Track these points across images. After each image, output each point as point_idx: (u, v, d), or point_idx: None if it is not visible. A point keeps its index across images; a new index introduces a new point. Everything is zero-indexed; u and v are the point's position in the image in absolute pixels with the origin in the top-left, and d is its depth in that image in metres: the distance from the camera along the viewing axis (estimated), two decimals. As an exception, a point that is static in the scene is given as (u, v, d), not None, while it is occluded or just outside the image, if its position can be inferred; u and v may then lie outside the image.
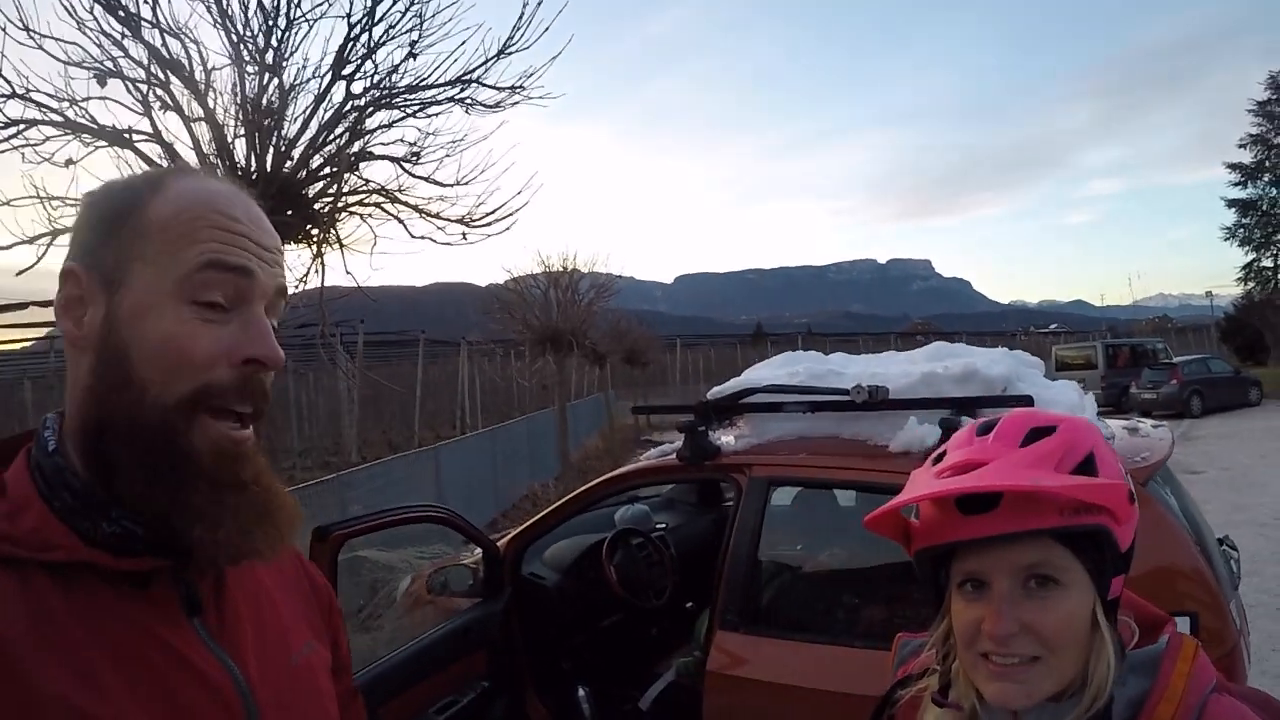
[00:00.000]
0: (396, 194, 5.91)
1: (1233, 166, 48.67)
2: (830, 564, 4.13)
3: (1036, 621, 1.15)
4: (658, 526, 5.33)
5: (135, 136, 5.04)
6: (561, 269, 16.79)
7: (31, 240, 4.95)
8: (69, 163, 4.94)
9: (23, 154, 4.85)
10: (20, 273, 5.11)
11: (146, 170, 1.08)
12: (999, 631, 1.15)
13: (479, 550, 4.39)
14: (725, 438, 4.08)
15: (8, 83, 4.63)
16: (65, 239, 5.03)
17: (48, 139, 4.87)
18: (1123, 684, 1.16)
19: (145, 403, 0.98)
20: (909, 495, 1.23)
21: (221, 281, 1.01)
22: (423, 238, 6.05)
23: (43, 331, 21.59)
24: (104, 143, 4.99)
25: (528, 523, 4.73)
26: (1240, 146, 48.13)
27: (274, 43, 5.28)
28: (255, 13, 5.22)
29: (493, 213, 6.10)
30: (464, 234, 6.15)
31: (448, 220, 6.08)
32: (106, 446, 0.99)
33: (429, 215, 6.02)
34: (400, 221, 5.98)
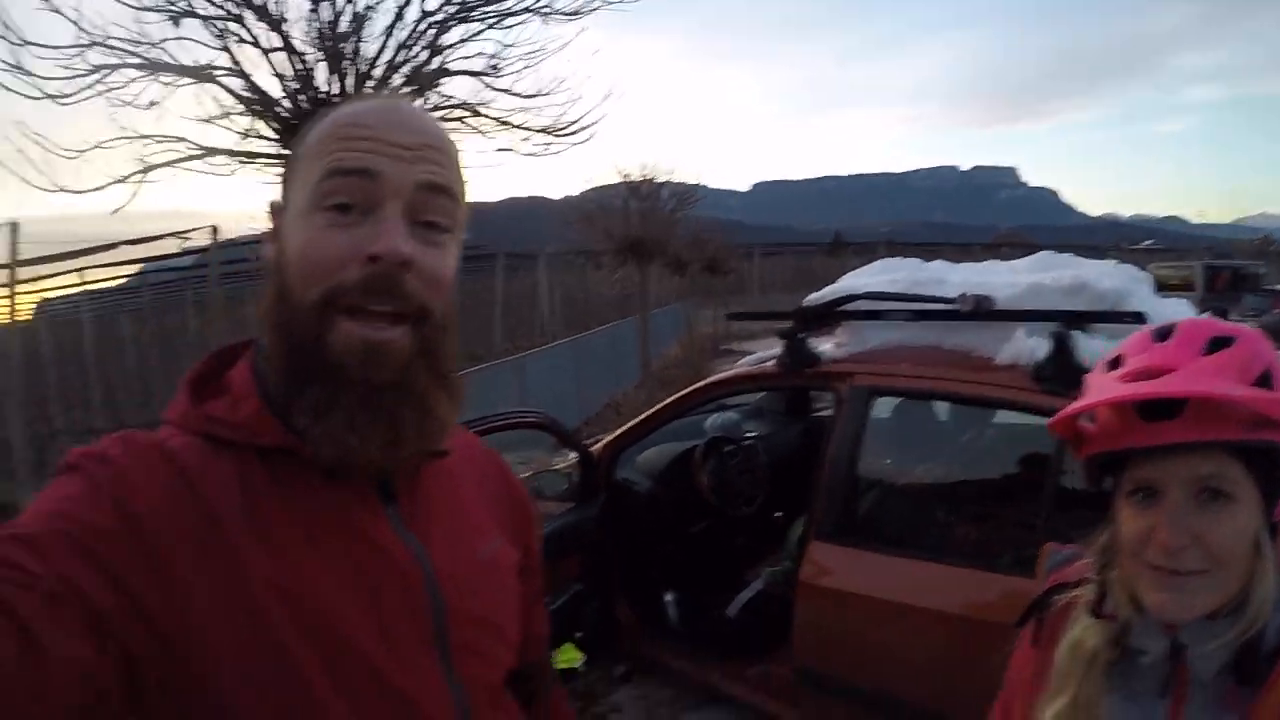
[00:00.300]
0: (478, 108, 5.87)
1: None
2: (928, 479, 4.09)
3: (1207, 534, 1.13)
4: (748, 434, 5.32)
5: (216, 71, 5.06)
6: (641, 179, 16.63)
7: (124, 179, 5.03)
8: (152, 104, 5.00)
9: (108, 99, 4.93)
10: (116, 210, 5.21)
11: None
12: (1170, 542, 1.13)
13: (572, 455, 4.41)
14: (823, 346, 4.03)
15: (87, 33, 4.67)
16: (158, 174, 5.16)
17: (131, 81, 4.93)
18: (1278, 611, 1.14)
19: (294, 309, 1.03)
20: (1096, 398, 1.20)
21: (345, 187, 1.02)
22: (506, 150, 6.02)
23: (136, 269, 22.21)
24: (188, 80, 5.01)
25: (622, 429, 4.75)
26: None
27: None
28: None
29: (575, 121, 6.05)
30: (547, 144, 6.11)
31: (531, 131, 6.04)
32: (283, 356, 1.05)
33: (512, 127, 5.98)
34: (482, 134, 5.95)
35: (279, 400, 1.05)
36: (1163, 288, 3.77)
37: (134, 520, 0.93)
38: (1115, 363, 1.25)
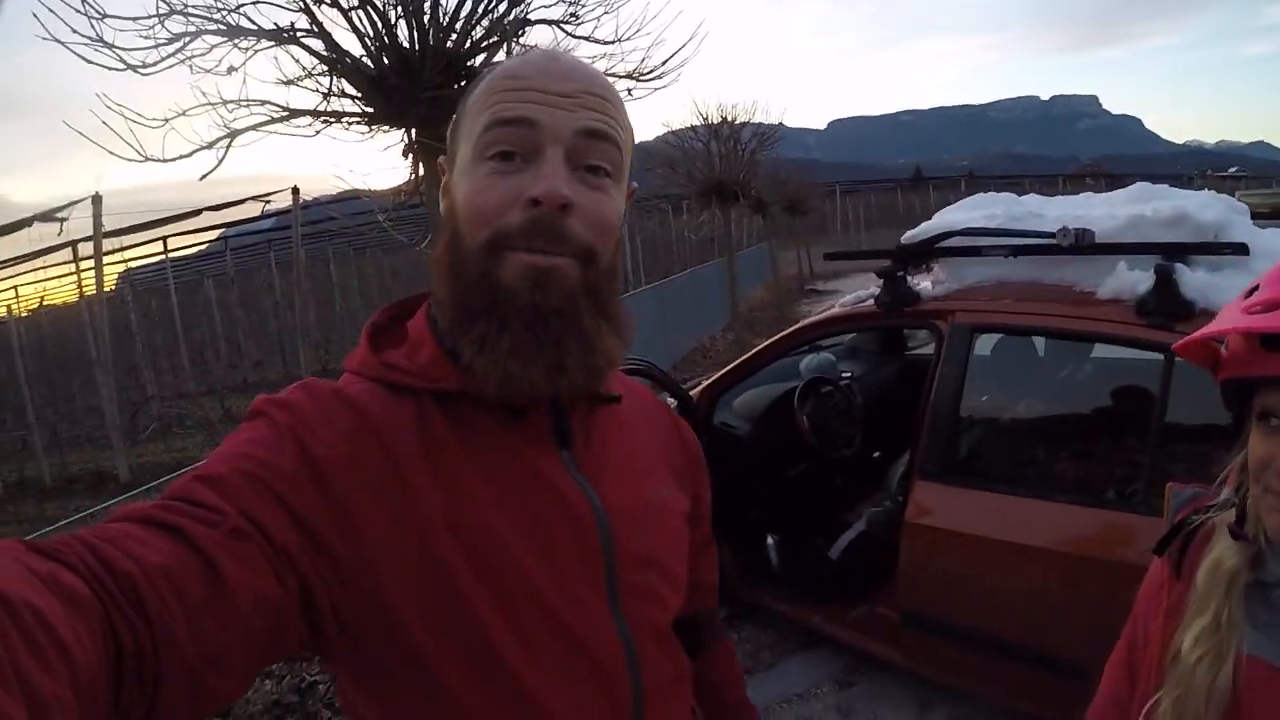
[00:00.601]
0: (560, 57, 5.88)
1: None
2: (1030, 416, 4.06)
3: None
4: (843, 375, 5.32)
5: (297, 33, 5.08)
6: (722, 120, 16.49)
7: (211, 145, 5.10)
8: (231, 70, 5.03)
9: (190, 66, 4.95)
10: (204, 176, 5.28)
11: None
12: (1254, 461, 1.19)
13: (672, 400, 4.48)
14: (922, 283, 4.01)
15: (165, 2, 4.72)
16: (244, 139, 5.23)
17: (212, 48, 4.95)
18: None
19: (464, 253, 1.08)
20: (1216, 327, 1.23)
21: (506, 136, 1.06)
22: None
23: (217, 233, 22.64)
24: (266, 43, 5.06)
25: (720, 372, 4.78)
26: None
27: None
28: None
29: (659, 66, 6.02)
30: (630, 90, 6.10)
31: (615, 76, 6.02)
32: (454, 299, 1.09)
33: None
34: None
35: (451, 346, 1.09)
36: (1252, 216, 3.70)
37: (314, 462, 0.98)
38: (1251, 291, 1.26)
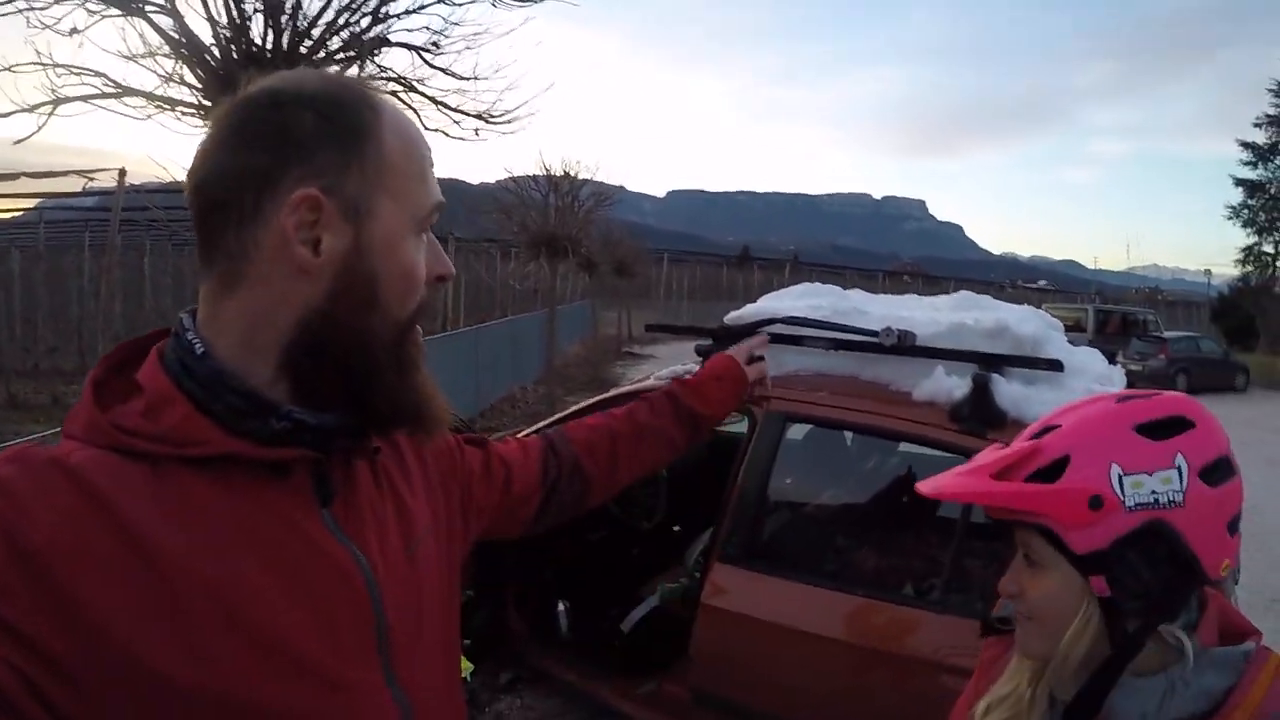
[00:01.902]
0: (414, 84, 5.75)
1: (1246, 145, 47.62)
2: (835, 506, 4.08)
3: (1025, 588, 1.30)
4: (651, 446, 5.25)
5: (148, 6, 4.86)
6: (564, 174, 16.52)
7: (33, 109, 4.84)
8: (73, 31, 4.78)
9: (27, 19, 4.73)
10: (19, 141, 5.04)
11: (340, 78, 1.05)
12: (1002, 587, 1.34)
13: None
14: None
15: None
16: (69, 108, 4.92)
17: (53, 3, 4.69)
18: (1201, 675, 1.21)
19: (387, 323, 1.08)
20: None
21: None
22: (436, 130, 5.91)
23: (33, 203, 21.39)
24: (114, 11, 4.80)
25: (532, 428, 4.66)
26: (1256, 125, 47.06)
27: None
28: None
29: (509, 111, 5.96)
30: (477, 130, 6.03)
31: (465, 114, 5.94)
32: (321, 361, 1.05)
33: (446, 108, 5.87)
34: (415, 112, 5.82)
35: (250, 402, 1.02)
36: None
37: (27, 557, 0.86)
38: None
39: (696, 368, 3.98)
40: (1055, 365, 3.27)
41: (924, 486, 1.34)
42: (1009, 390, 3.20)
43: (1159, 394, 1.31)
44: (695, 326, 4.35)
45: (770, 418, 3.69)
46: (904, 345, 3.47)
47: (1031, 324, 3.54)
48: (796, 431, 4.08)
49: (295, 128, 1.02)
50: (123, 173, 11.90)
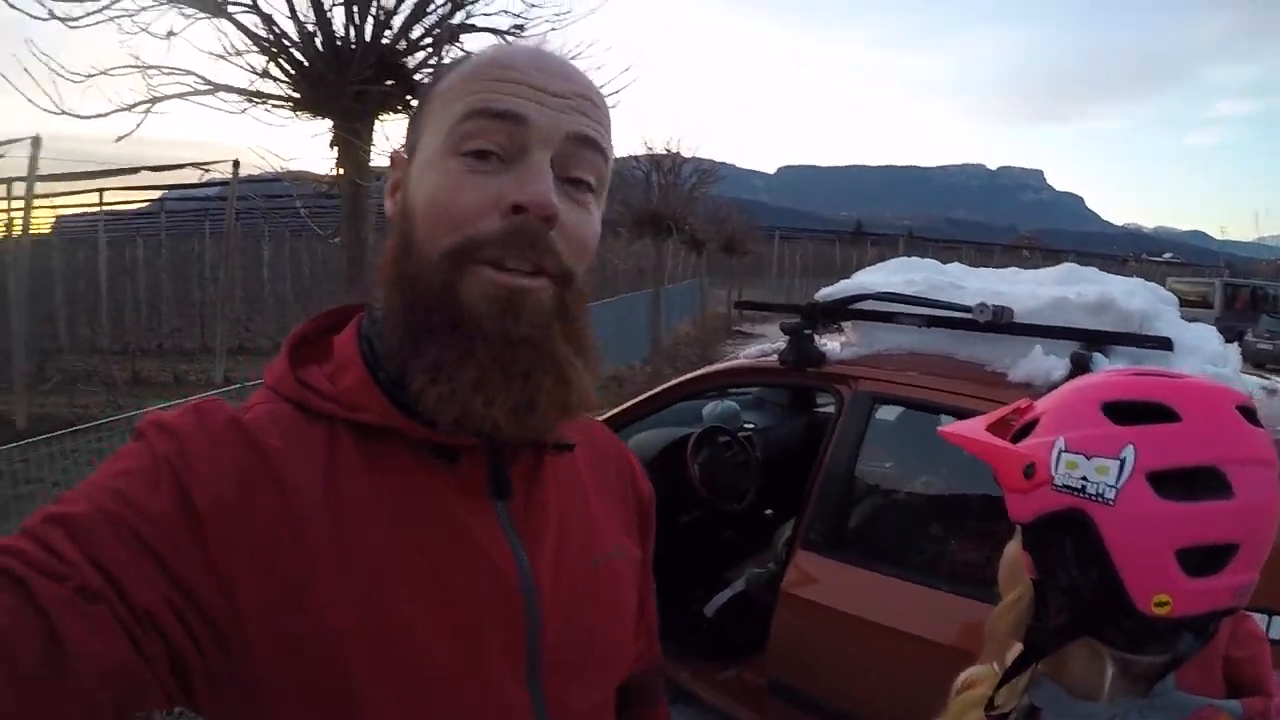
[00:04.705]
0: (499, 67, 5.78)
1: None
2: (927, 494, 3.91)
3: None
4: (745, 425, 5.15)
5: (232, 8, 5.01)
6: (665, 152, 16.47)
7: (130, 108, 4.99)
8: (169, 34, 4.95)
9: (119, 24, 4.84)
10: (120, 138, 5.24)
11: None
12: None
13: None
14: (831, 344, 3.86)
15: None
16: (163, 107, 5.08)
17: (143, 9, 4.86)
18: (1145, 717, 1.10)
19: (420, 261, 0.95)
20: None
21: (489, 129, 0.94)
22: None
23: (155, 194, 22.41)
24: (202, 13, 4.93)
25: (617, 409, 4.59)
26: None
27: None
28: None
29: (600, 88, 5.92)
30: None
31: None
32: (404, 314, 0.96)
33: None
34: (502, 94, 5.85)
35: (390, 370, 0.97)
36: (1179, 303, 3.59)
37: (192, 506, 0.84)
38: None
39: (782, 346, 3.88)
40: (1164, 343, 3.05)
41: (945, 427, 1.31)
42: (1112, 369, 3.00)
43: (1158, 373, 1.14)
44: (785, 304, 4.24)
45: (858, 398, 3.54)
46: (999, 322, 3.30)
47: (1139, 298, 3.32)
48: (889, 413, 3.92)
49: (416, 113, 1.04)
50: (236, 164, 12.33)
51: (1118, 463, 1.04)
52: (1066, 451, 1.08)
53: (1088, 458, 1.06)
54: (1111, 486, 1.04)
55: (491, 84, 0.95)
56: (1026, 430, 1.16)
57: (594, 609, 1.07)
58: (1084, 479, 1.06)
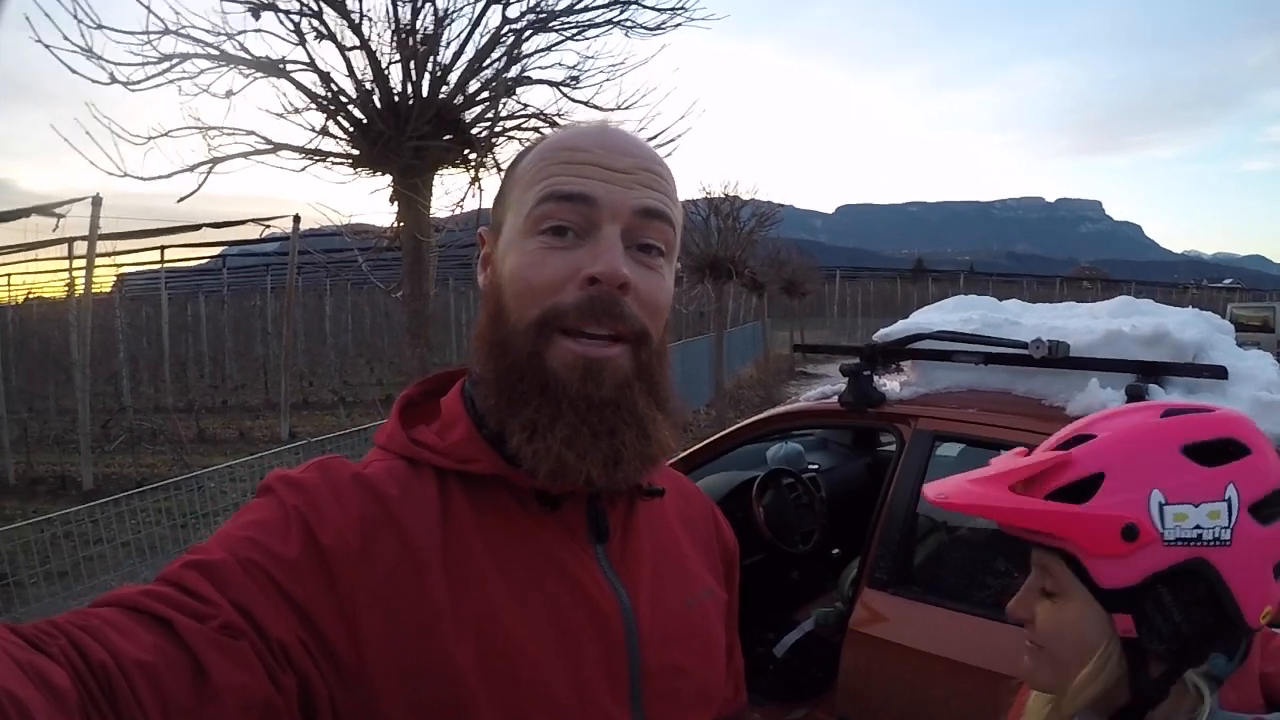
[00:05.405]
0: (555, 118, 5.82)
1: None
2: (989, 529, 3.93)
3: (1039, 617, 1.25)
4: (810, 467, 5.19)
5: (290, 67, 5.09)
6: (723, 196, 16.54)
7: (191, 169, 5.07)
8: (229, 94, 5.03)
9: (179, 87, 4.93)
10: (182, 199, 5.27)
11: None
12: (1011, 611, 1.35)
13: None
14: (890, 384, 3.91)
15: (161, 20, 4.69)
16: (224, 166, 5.20)
17: (203, 72, 4.94)
18: None
19: (510, 330, 1.04)
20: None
21: (562, 210, 1.03)
22: (583, 163, 6.00)
23: (216, 250, 22.73)
24: (260, 73, 5.04)
25: (683, 453, 4.66)
26: None
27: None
28: (408, -63, 5.17)
29: (654, 137, 5.96)
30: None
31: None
32: (498, 378, 1.05)
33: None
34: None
35: (491, 426, 1.06)
36: (1241, 328, 3.60)
37: (320, 551, 0.93)
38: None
39: (843, 388, 3.94)
40: (1219, 372, 3.08)
41: (930, 490, 1.26)
42: (1168, 401, 3.03)
43: (1212, 410, 1.16)
44: (843, 346, 4.30)
45: (918, 436, 3.59)
46: (1055, 356, 3.33)
47: (1194, 328, 3.35)
48: (950, 449, 3.96)
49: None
50: (297, 219, 12.48)
51: (1226, 504, 1.07)
52: (1169, 504, 1.08)
53: (1195, 505, 1.08)
54: (1226, 528, 1.07)
55: (560, 166, 1.04)
56: (1088, 489, 1.14)
57: (689, 646, 1.14)
58: (1198, 528, 1.07)
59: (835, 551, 5.02)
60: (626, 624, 1.06)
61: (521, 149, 1.15)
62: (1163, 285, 68.18)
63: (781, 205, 19.94)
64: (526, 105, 5.83)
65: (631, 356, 1.05)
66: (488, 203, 6.05)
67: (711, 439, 4.59)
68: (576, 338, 1.02)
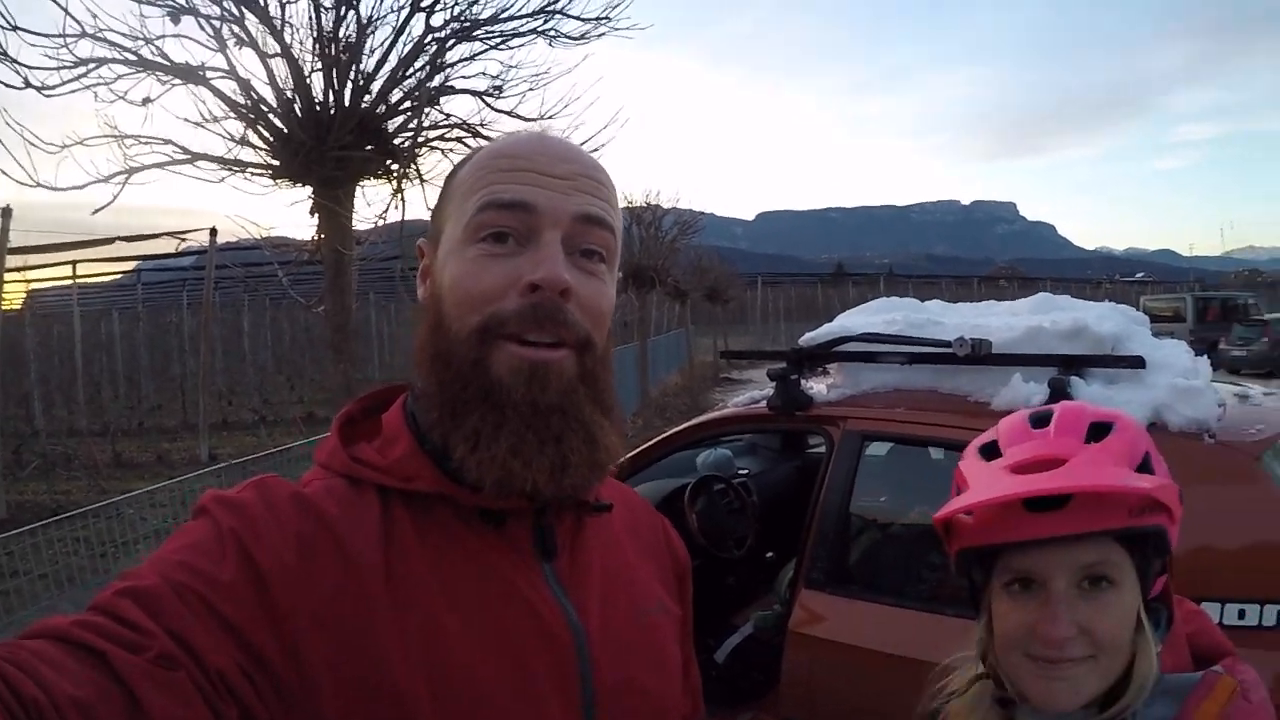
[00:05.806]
0: (478, 128, 5.80)
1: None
2: (923, 524, 3.98)
3: (1093, 623, 1.13)
4: (740, 472, 5.21)
5: (210, 73, 5.01)
6: (645, 205, 16.61)
7: (106, 179, 4.96)
8: (146, 101, 4.92)
9: (95, 93, 4.84)
10: (96, 210, 5.16)
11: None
12: (1058, 634, 1.13)
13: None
14: (817, 387, 3.95)
15: (78, 22, 4.58)
16: (140, 177, 5.06)
17: (120, 77, 4.83)
18: (1150, 705, 1.14)
19: (451, 338, 1.03)
20: (987, 495, 1.17)
21: (502, 218, 1.03)
22: (505, 172, 5.98)
23: (131, 265, 22.06)
24: (179, 80, 4.94)
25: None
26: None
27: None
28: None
29: (582, 144, 5.96)
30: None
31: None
32: (440, 389, 1.04)
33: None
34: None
35: (435, 441, 1.04)
36: (1154, 319, 3.72)
37: (258, 572, 0.91)
38: (991, 450, 1.25)
39: (770, 393, 3.97)
40: (1137, 362, 3.18)
41: (1065, 480, 1.13)
42: (1088, 393, 3.11)
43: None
44: (769, 351, 4.33)
45: (847, 437, 3.63)
46: (979, 354, 3.40)
47: (1111, 321, 3.45)
48: (879, 449, 4.00)
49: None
50: (214, 232, 12.19)
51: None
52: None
53: None
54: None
55: (498, 175, 1.04)
56: (1148, 465, 1.18)
57: (642, 659, 1.13)
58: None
59: (769, 555, 5.05)
60: (577, 642, 1.05)
61: (458, 160, 1.16)
62: (1077, 281, 69.99)
63: (702, 213, 20.14)
64: (449, 115, 5.82)
65: (576, 362, 1.04)
66: (410, 214, 6.01)
67: (641, 447, 4.60)
68: (520, 343, 1.01)
